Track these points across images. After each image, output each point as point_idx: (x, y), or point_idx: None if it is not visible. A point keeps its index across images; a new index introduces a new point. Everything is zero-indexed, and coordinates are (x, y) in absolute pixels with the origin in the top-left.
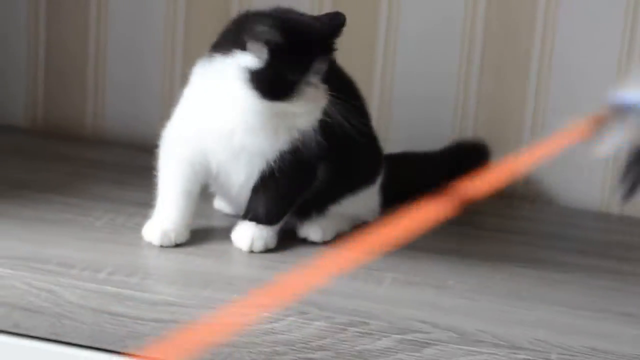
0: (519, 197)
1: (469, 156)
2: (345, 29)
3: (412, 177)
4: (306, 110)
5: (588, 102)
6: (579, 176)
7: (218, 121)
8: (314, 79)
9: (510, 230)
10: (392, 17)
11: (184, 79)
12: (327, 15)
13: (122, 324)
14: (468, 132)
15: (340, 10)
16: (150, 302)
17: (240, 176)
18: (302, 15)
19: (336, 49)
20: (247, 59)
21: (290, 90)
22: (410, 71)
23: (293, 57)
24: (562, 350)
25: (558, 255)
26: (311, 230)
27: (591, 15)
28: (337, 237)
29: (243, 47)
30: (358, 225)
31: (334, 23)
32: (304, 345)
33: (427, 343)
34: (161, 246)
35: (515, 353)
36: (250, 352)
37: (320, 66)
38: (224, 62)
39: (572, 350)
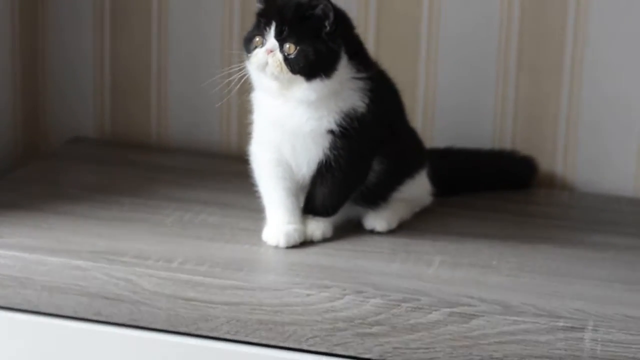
0: (559, 187)
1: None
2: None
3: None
4: (256, 69)
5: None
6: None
7: (272, 112)
8: (270, 43)
9: (548, 216)
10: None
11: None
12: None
13: (195, 307)
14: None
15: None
16: (220, 287)
17: (303, 168)
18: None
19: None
20: None
21: (248, 50)
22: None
23: (258, 21)
24: (597, 318)
25: (593, 236)
26: (377, 221)
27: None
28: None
29: None
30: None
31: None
32: (362, 321)
33: (474, 315)
34: (287, 247)
35: (555, 321)
36: (313, 329)
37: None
38: None
39: (607, 318)
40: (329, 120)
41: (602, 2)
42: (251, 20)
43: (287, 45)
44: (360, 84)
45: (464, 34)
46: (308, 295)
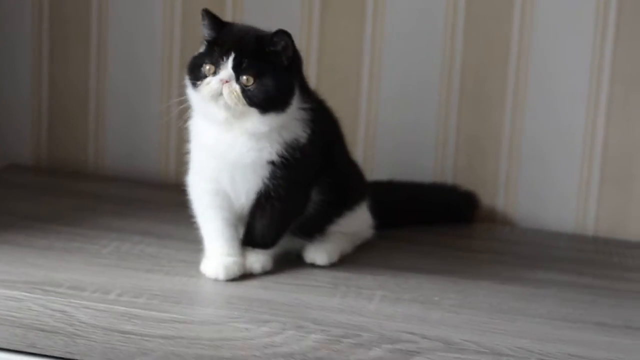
0: (500, 222)
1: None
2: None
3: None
4: (208, 98)
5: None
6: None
7: (211, 141)
8: (226, 73)
9: (490, 251)
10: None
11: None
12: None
13: (131, 341)
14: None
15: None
16: (157, 320)
17: (242, 198)
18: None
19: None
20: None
21: (196, 77)
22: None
23: (210, 49)
24: (540, 356)
25: (534, 273)
26: (317, 255)
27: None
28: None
29: None
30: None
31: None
32: (302, 356)
33: (416, 352)
34: (226, 280)
35: (497, 359)
36: None
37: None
38: None
39: (550, 356)
40: (270, 151)
41: (544, 38)
42: (192, 49)
43: (244, 77)
44: (303, 114)
45: (406, 67)
46: (247, 329)
